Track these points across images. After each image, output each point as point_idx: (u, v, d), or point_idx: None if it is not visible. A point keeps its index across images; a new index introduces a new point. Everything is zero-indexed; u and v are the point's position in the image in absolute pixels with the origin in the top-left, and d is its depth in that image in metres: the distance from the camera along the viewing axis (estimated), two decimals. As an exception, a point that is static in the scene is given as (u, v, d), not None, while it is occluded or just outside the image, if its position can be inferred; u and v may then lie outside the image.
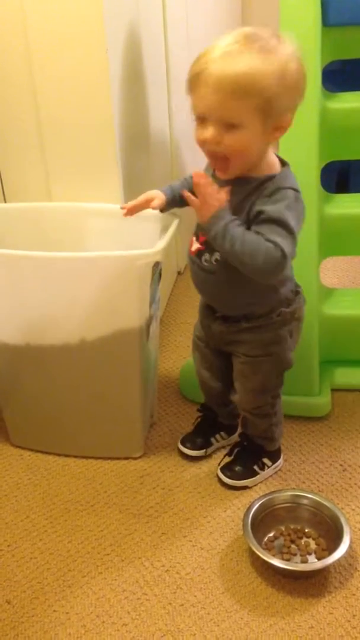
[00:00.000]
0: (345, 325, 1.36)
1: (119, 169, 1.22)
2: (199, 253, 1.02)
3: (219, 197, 0.92)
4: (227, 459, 1.20)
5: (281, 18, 1.13)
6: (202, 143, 0.91)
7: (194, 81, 0.87)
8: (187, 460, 1.23)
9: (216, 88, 0.84)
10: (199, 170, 0.94)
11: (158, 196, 1.06)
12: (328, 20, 1.16)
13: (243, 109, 0.85)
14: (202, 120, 0.89)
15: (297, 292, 1.07)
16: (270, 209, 0.91)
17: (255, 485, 1.17)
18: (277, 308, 1.04)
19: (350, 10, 1.16)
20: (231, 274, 0.98)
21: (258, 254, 0.90)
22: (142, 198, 1.07)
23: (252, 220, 0.93)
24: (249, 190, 0.94)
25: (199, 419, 1.27)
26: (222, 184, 0.94)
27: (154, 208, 1.06)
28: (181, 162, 1.74)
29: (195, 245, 1.02)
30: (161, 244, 1.05)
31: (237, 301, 1.04)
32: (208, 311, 1.11)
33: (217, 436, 1.25)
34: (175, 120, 1.65)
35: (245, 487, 1.16)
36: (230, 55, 0.84)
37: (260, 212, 0.92)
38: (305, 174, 1.18)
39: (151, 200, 1.06)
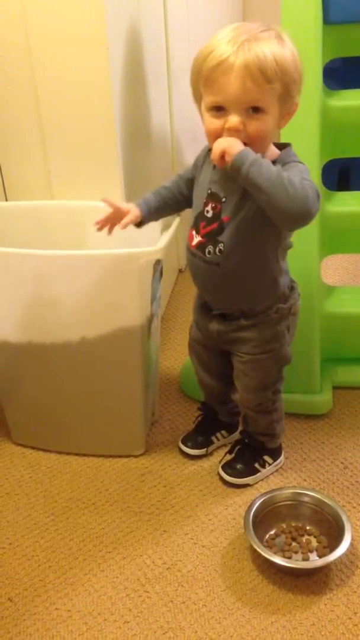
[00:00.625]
0: (346, 323, 1.36)
1: (120, 167, 1.22)
2: (200, 246, 1.02)
3: (228, 139, 0.90)
4: (228, 457, 1.20)
5: (282, 16, 1.13)
6: (218, 133, 0.91)
7: (212, 74, 0.88)
8: (188, 457, 1.23)
9: (243, 75, 0.86)
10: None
11: (132, 212, 1.05)
12: (329, 18, 1.16)
13: (268, 94, 0.89)
14: (218, 110, 0.91)
15: (292, 287, 1.08)
16: (288, 163, 0.95)
17: (256, 483, 1.17)
18: (275, 304, 1.04)
19: (351, 7, 1.16)
20: (235, 263, 0.99)
21: (295, 184, 0.89)
22: (112, 210, 1.04)
23: None
24: None
25: (199, 418, 1.27)
26: (225, 177, 0.96)
27: (124, 226, 1.04)
28: (182, 159, 1.74)
29: (197, 239, 1.02)
30: (162, 242, 1.05)
31: (239, 293, 1.04)
32: (204, 311, 1.10)
33: (218, 434, 1.25)
34: (176, 117, 1.65)
35: (246, 485, 1.16)
36: (250, 43, 0.86)
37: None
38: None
39: (124, 214, 1.04)
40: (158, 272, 1.13)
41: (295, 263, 1.15)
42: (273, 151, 0.98)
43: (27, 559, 1.05)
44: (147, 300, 1.10)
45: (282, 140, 1.17)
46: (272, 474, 1.19)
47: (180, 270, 1.91)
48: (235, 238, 0.98)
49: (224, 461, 1.19)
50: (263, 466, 1.17)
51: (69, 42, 1.11)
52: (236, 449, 1.20)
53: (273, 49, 0.87)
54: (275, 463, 1.19)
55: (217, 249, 1.00)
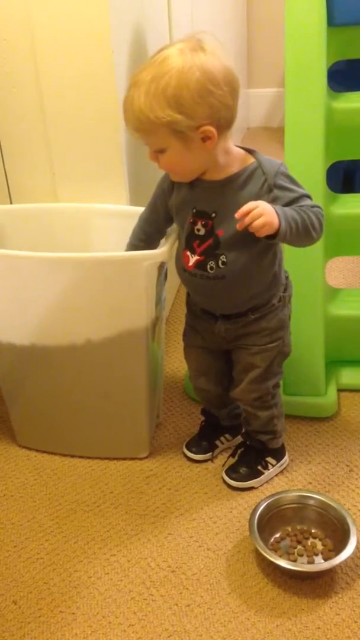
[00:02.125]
0: (351, 325, 1.36)
1: (125, 170, 1.22)
2: (200, 264, 1.01)
3: (263, 209, 0.92)
4: (231, 460, 1.19)
5: (286, 18, 1.13)
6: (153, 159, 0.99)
7: (124, 119, 0.96)
8: (193, 461, 1.23)
9: (131, 127, 0.95)
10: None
11: None
12: (333, 20, 1.16)
13: (156, 138, 0.93)
14: None
15: (287, 275, 1.10)
16: (292, 194, 0.97)
17: (261, 486, 1.17)
18: (277, 294, 1.06)
19: (355, 10, 1.16)
20: (240, 271, 1.00)
21: (317, 228, 0.97)
22: None
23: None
24: (240, 185, 0.97)
25: (203, 423, 1.27)
26: (207, 189, 0.99)
27: None
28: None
29: (194, 258, 1.02)
30: (167, 244, 1.05)
31: (246, 296, 1.04)
32: (206, 315, 1.10)
33: (222, 438, 1.25)
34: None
35: (251, 488, 1.16)
36: (128, 98, 0.93)
37: (289, 202, 0.97)
38: (311, 174, 1.18)
39: None
40: (162, 274, 1.13)
41: (299, 265, 1.15)
42: (242, 159, 0.98)
43: (31, 561, 1.05)
44: (152, 303, 1.10)
45: (287, 145, 1.17)
46: (276, 475, 1.19)
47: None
48: (235, 248, 0.99)
49: (227, 465, 1.19)
50: (266, 468, 1.17)
51: (73, 46, 1.12)
52: (238, 452, 1.20)
53: (140, 102, 0.90)
54: (279, 464, 1.19)
55: (219, 262, 1.00)
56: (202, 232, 1.00)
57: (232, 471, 1.17)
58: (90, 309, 1.08)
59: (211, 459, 1.23)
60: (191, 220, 1.01)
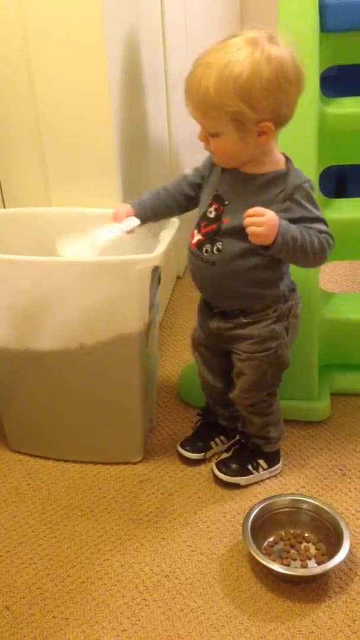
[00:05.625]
0: (344, 329, 1.36)
1: (118, 174, 1.22)
2: (200, 244, 1.04)
3: (266, 220, 0.94)
4: (225, 455, 1.20)
5: (279, 24, 1.14)
6: (201, 139, 0.99)
7: (184, 96, 0.95)
8: (187, 463, 1.23)
9: (191, 106, 0.94)
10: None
11: (129, 215, 1.09)
12: (326, 26, 1.16)
13: (214, 122, 0.93)
14: None
15: (293, 289, 1.10)
16: (304, 213, 0.98)
17: (248, 485, 1.17)
18: (275, 304, 1.06)
19: (348, 16, 1.17)
20: (231, 263, 1.01)
21: (317, 252, 0.98)
22: (133, 224, 1.08)
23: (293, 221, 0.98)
24: (260, 185, 0.99)
25: (198, 423, 1.27)
26: (234, 178, 1.00)
27: (130, 232, 1.08)
28: (180, 167, 1.74)
29: (197, 237, 1.05)
30: (160, 248, 1.05)
31: (237, 292, 1.05)
32: (206, 309, 1.12)
33: (217, 440, 1.25)
34: (174, 124, 1.65)
35: (237, 485, 1.16)
36: (195, 76, 0.91)
37: (299, 219, 0.98)
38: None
39: (139, 222, 1.08)
40: (156, 278, 1.13)
41: (294, 269, 1.15)
42: (276, 163, 1.00)
43: (24, 566, 1.05)
44: (146, 307, 1.10)
45: (280, 147, 1.17)
46: (270, 480, 1.19)
47: (178, 277, 1.91)
48: (232, 239, 1.00)
49: (219, 459, 1.20)
50: (256, 469, 1.17)
51: (67, 51, 1.12)
52: (233, 448, 1.21)
53: (210, 84, 0.88)
54: (271, 470, 1.19)
55: (214, 248, 1.02)
56: (213, 215, 1.02)
57: (222, 464, 1.18)
58: (83, 313, 1.08)
59: (204, 459, 1.23)
60: (209, 201, 1.03)
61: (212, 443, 1.24)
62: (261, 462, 1.18)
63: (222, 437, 1.25)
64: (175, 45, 1.62)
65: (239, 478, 1.17)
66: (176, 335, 1.64)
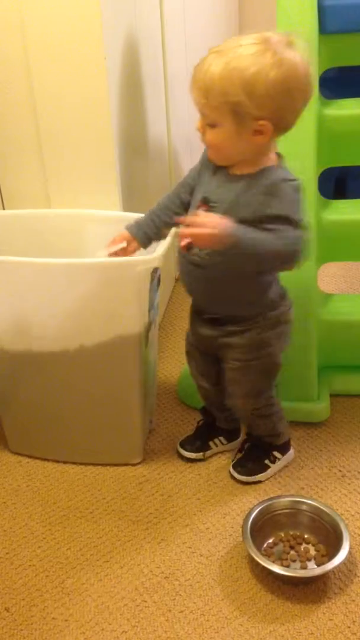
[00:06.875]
0: (343, 330, 1.36)
1: (118, 176, 1.22)
2: (189, 247, 1.02)
3: (214, 222, 0.92)
4: (239, 455, 1.21)
5: (278, 26, 1.14)
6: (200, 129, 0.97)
7: (191, 82, 0.94)
8: (186, 462, 1.23)
9: (193, 90, 0.92)
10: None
11: (130, 242, 1.08)
12: (325, 28, 1.17)
13: (214, 111, 0.91)
14: None
15: (282, 295, 1.07)
16: (275, 208, 0.93)
17: (268, 479, 1.18)
18: (264, 311, 1.05)
19: (346, 18, 1.17)
20: (220, 269, 0.99)
21: (282, 253, 0.94)
22: (117, 246, 1.07)
23: (261, 220, 0.94)
24: (245, 184, 0.96)
25: (200, 422, 1.28)
26: (223, 180, 0.98)
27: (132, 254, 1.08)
28: (179, 168, 1.75)
29: (186, 240, 1.01)
30: (160, 250, 1.05)
31: (225, 297, 1.04)
32: (196, 315, 1.11)
33: (216, 440, 1.25)
34: (174, 126, 1.66)
35: (258, 482, 1.17)
36: (205, 61, 0.90)
37: (268, 214, 0.94)
38: (303, 180, 1.18)
39: (124, 244, 1.08)
40: (156, 280, 1.13)
41: (292, 271, 1.15)
42: (267, 162, 0.97)
43: (23, 568, 1.05)
44: (145, 308, 1.10)
45: (280, 150, 1.18)
46: (269, 481, 1.18)
47: (177, 279, 1.91)
48: None
49: (235, 459, 1.21)
50: (273, 462, 1.19)
51: (66, 53, 1.12)
52: (246, 446, 1.21)
53: (216, 70, 0.87)
54: (285, 457, 1.20)
55: (204, 252, 1.00)
56: None
57: (239, 465, 1.18)
58: (83, 314, 1.08)
59: (202, 459, 1.23)
60: (198, 204, 1.01)
61: (212, 443, 1.24)
62: (276, 453, 1.19)
63: (222, 438, 1.25)
64: (174, 46, 1.62)
65: (258, 476, 1.18)
66: (175, 337, 1.64)
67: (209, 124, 0.93)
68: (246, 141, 0.93)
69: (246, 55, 0.87)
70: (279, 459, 1.19)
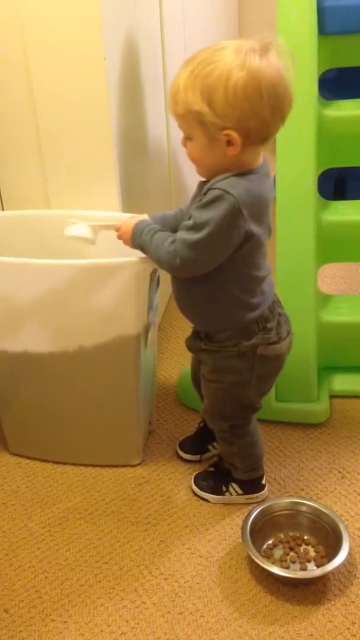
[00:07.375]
0: (342, 331, 1.36)
1: (117, 176, 1.22)
2: None
3: (123, 228, 1.00)
4: (208, 468, 1.19)
5: (278, 27, 1.14)
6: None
7: None
8: (185, 463, 1.23)
9: (169, 103, 0.91)
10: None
11: None
12: (324, 29, 1.17)
13: (183, 122, 0.90)
14: None
15: (264, 327, 1.00)
16: (193, 213, 0.91)
17: (219, 503, 1.14)
18: (235, 337, 1.00)
19: (345, 19, 1.18)
20: (187, 279, 0.98)
21: (160, 251, 0.94)
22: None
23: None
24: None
25: (200, 424, 1.27)
26: (194, 195, 0.97)
27: None
28: (179, 169, 1.75)
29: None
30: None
31: (193, 311, 1.03)
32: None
33: (215, 443, 1.24)
34: (173, 127, 1.65)
35: (206, 500, 1.15)
36: (176, 75, 0.89)
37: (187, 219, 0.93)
38: (303, 181, 1.19)
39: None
40: (155, 281, 1.13)
41: (291, 272, 1.16)
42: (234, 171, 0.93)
43: (22, 569, 1.04)
44: (144, 309, 1.10)
45: (278, 152, 1.18)
46: (269, 482, 1.18)
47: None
48: None
49: (203, 470, 1.19)
50: (229, 492, 1.14)
51: (66, 54, 1.12)
52: (214, 462, 1.19)
53: (180, 80, 0.86)
54: (248, 496, 1.13)
55: None
56: None
57: (200, 477, 1.17)
58: (82, 315, 1.07)
59: (199, 461, 1.23)
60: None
61: (210, 446, 1.24)
62: (234, 486, 1.14)
63: (216, 444, 1.25)
64: (174, 47, 1.62)
65: (209, 495, 1.14)
66: (175, 338, 1.64)
67: (186, 137, 0.91)
68: (219, 153, 0.88)
69: (209, 62, 0.84)
70: (238, 494, 1.13)
